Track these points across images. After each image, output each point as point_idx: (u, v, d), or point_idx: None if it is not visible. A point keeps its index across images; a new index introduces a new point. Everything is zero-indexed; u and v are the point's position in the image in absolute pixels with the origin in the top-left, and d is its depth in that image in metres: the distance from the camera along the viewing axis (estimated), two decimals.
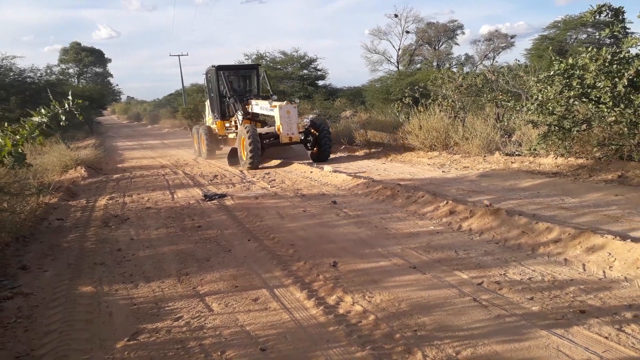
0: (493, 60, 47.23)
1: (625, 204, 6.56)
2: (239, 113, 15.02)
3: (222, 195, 9.26)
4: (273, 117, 13.65)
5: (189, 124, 25.45)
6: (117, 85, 70.08)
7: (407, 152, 13.87)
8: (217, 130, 16.44)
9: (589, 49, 7.98)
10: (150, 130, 40.76)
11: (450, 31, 52.50)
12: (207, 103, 17.68)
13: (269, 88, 16.23)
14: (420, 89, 16.10)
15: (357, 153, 15.31)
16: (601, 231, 5.22)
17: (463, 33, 53.22)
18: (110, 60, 61.39)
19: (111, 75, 62.10)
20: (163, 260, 5.58)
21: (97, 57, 58.86)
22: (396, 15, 46.81)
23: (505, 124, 11.76)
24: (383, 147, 15.37)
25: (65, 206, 9.04)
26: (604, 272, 4.44)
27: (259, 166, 12.95)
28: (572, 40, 38.00)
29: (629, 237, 4.87)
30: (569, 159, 9.42)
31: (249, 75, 16.60)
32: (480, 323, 3.61)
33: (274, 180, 10.86)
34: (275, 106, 13.10)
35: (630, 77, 7.25)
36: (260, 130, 13.86)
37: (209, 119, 17.45)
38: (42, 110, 4.95)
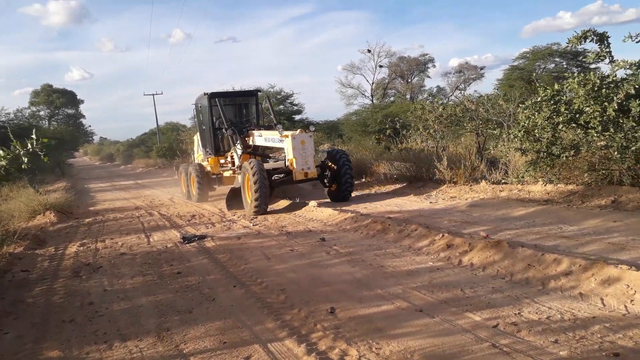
0: (464, 91, 48.25)
1: (626, 231, 6.32)
2: (237, 147, 12.90)
3: (202, 237, 8.73)
4: (281, 150, 11.80)
5: (176, 163, 21.99)
6: (90, 126, 68.63)
7: (390, 184, 13.58)
8: (209, 168, 14.40)
9: (575, 74, 7.90)
10: (123, 170, 39.87)
11: (421, 64, 53.54)
12: (197, 137, 15.72)
13: (272, 117, 13.93)
14: (400, 120, 15.99)
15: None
16: (613, 261, 4.91)
17: (434, 66, 54.36)
18: (82, 102, 60.30)
19: (83, 117, 60.89)
20: (140, 314, 5.02)
21: (69, 98, 57.81)
22: (369, 51, 47.55)
23: (491, 152, 11.60)
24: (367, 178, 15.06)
25: (31, 255, 8.35)
26: (625, 306, 4.09)
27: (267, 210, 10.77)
28: (541, 69, 39.06)
29: None
30: (558, 185, 9.23)
31: (247, 104, 14.54)
32: None
33: (256, 217, 10.38)
34: (286, 136, 10.90)
35: (620, 101, 7.14)
36: (266, 166, 11.33)
37: (199, 155, 15.61)
38: (0, 152, 4.44)
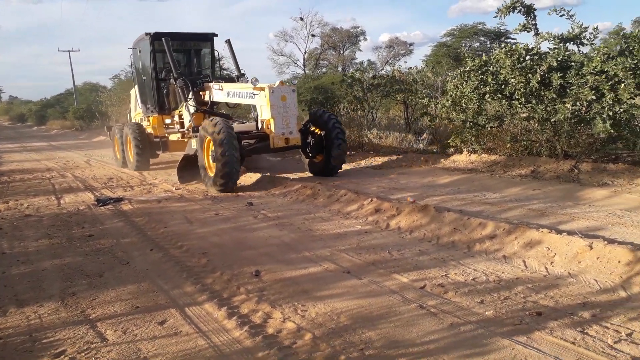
0: (393, 66, 48.98)
1: (545, 198, 6.55)
2: (190, 103, 10.22)
3: (118, 200, 8.14)
4: (254, 107, 9.48)
5: (107, 124, 17.77)
6: None
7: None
8: (151, 130, 11.88)
9: (502, 45, 8.02)
10: (36, 132, 36.89)
11: (353, 37, 53.43)
12: (134, 91, 12.91)
13: (235, 67, 11.04)
14: (332, 91, 15.80)
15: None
16: (534, 225, 5.04)
17: (365, 39, 54.55)
18: None
19: None
20: (43, 278, 4.53)
21: None
22: (302, 19, 46.65)
23: (419, 120, 11.73)
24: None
25: None
26: (546, 268, 4.18)
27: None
28: (467, 47, 40.22)
29: (564, 231, 4.70)
30: (482, 155, 9.48)
31: (199, 50, 11.81)
32: (434, 335, 3.12)
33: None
34: (261, 89, 8.38)
35: (543, 73, 7.32)
36: (235, 128, 8.91)
37: (137, 113, 12.94)
38: None
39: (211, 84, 10.00)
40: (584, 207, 5.95)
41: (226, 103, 10.70)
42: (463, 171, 8.96)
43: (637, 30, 7.25)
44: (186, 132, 10.54)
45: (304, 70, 48.78)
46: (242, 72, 10.66)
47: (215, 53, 11.65)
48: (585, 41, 7.66)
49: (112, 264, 4.86)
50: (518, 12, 7.72)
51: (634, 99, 7.04)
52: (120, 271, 4.63)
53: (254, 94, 8.62)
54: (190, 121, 10.19)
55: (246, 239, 5.50)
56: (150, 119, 11.83)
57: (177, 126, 11.12)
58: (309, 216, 6.38)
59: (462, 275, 4.12)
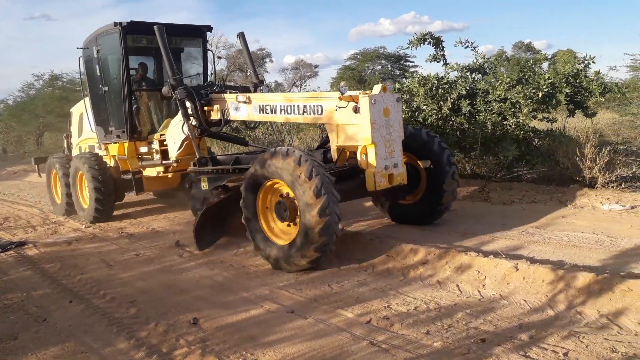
0: (300, 87, 49.85)
1: (462, 218, 6.90)
2: (188, 124, 7.05)
3: (21, 244, 7.39)
4: (322, 128, 6.71)
5: (37, 157, 12.24)
6: None
7: None
8: (113, 163, 8.77)
9: (414, 74, 8.45)
10: None
11: (259, 59, 53.77)
12: (78, 110, 9.71)
13: (250, 72, 8.26)
14: None
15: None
16: (461, 248, 5.28)
17: (272, 61, 55.07)
18: None
19: None
20: None
21: None
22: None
23: None
24: None
25: None
26: (479, 291, 4.39)
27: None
28: (370, 70, 42.10)
29: (490, 253, 4.97)
30: None
31: (182, 50, 8.76)
32: None
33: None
34: (352, 98, 5.42)
35: (453, 100, 7.81)
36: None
37: (83, 140, 9.72)
38: None
39: (225, 95, 6.96)
40: (499, 225, 6.35)
41: (245, 122, 7.89)
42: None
43: (531, 61, 8.00)
44: (173, 164, 7.87)
45: None
46: (261, 78, 8.09)
47: (209, 53, 9.02)
48: (488, 70, 8.31)
49: (26, 322, 4.37)
50: (428, 44, 8.20)
51: (532, 123, 7.73)
52: (37, 331, 4.17)
53: (338, 107, 5.51)
54: (179, 149, 7.54)
55: (176, 282, 5.21)
56: (112, 147, 8.73)
57: (157, 156, 8.14)
58: (239, 251, 6.19)
59: (404, 305, 4.20)
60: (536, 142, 8.29)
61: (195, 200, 6.67)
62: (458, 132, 8.16)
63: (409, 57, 42.29)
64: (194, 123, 7.08)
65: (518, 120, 7.63)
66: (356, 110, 5.36)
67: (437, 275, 4.81)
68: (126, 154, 8.42)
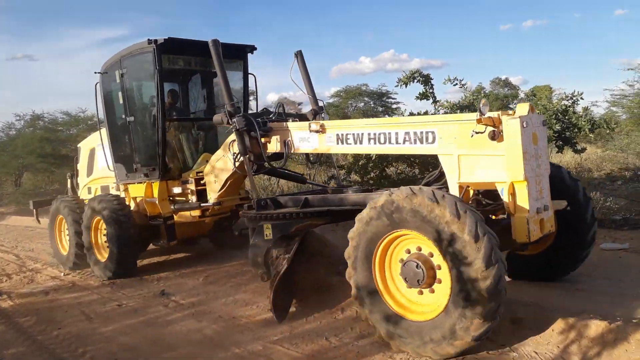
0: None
1: None
2: (245, 158, 5.82)
3: None
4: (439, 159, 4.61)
5: (37, 200, 10.59)
6: None
7: None
8: (138, 206, 7.54)
9: (396, 110, 8.39)
10: None
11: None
12: (102, 138, 7.74)
13: (309, 95, 6.74)
14: None
15: None
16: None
17: (255, 99, 55.44)
18: None
19: None
20: None
21: None
22: None
23: None
24: None
25: None
26: None
27: None
28: (353, 107, 42.52)
29: None
30: None
31: (214, 75, 7.44)
32: None
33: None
34: (493, 121, 4.14)
35: None
36: None
37: (93, 180, 8.56)
38: None
39: (288, 124, 5.73)
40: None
41: (307, 156, 6.50)
42: None
43: (510, 97, 8.00)
44: (215, 207, 6.75)
45: None
46: (321, 104, 6.74)
47: (251, 78, 7.80)
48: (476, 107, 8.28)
49: None
50: (417, 82, 8.17)
51: None
52: None
53: (474, 132, 4.20)
54: (222, 189, 6.47)
55: (162, 336, 4.86)
56: (135, 187, 7.46)
57: (193, 197, 6.95)
58: (228, 299, 5.86)
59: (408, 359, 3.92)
60: None
61: (255, 251, 5.32)
62: None
63: (391, 94, 42.86)
64: (251, 156, 5.80)
65: None
66: (494, 136, 4.08)
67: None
68: (156, 195, 7.14)
